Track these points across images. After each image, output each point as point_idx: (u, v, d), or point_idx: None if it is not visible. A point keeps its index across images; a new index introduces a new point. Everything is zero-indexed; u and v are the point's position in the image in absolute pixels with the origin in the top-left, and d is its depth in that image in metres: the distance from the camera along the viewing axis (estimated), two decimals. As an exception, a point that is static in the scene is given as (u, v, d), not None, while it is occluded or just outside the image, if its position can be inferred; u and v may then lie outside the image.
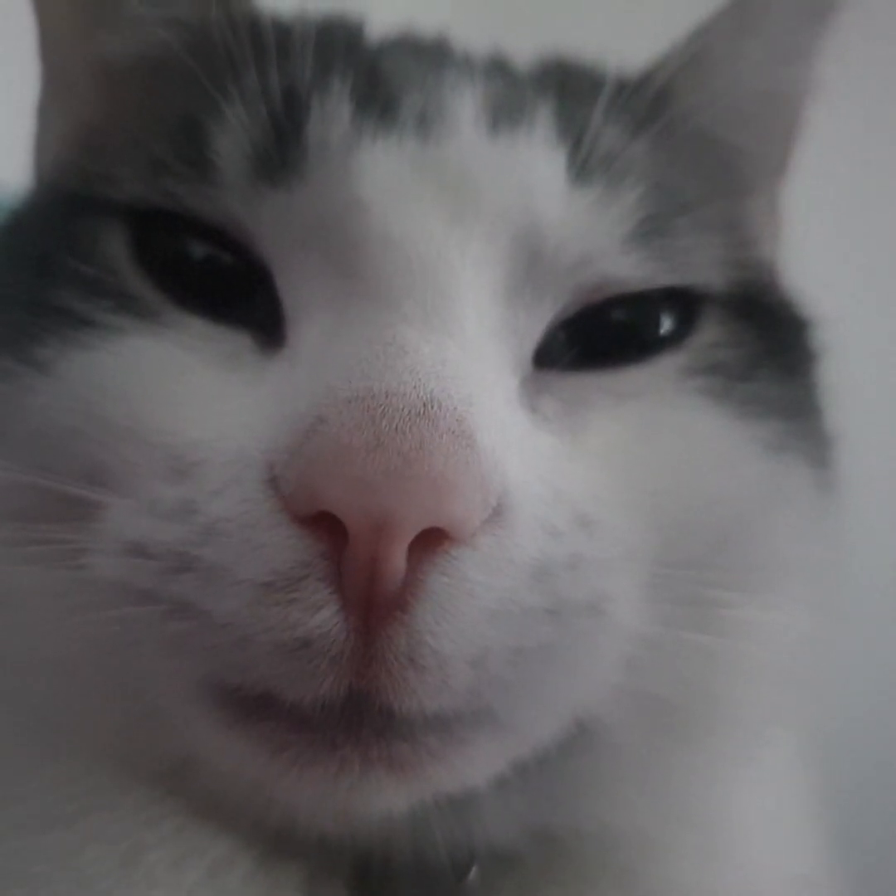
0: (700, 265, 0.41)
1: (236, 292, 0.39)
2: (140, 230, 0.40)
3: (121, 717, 0.38)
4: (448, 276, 0.37)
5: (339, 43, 0.42)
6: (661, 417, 0.39)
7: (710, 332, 0.41)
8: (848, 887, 0.46)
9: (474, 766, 0.36)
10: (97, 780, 0.39)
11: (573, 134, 0.40)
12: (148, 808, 0.38)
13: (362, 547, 0.31)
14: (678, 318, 0.41)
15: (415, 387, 0.33)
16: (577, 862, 0.41)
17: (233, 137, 0.38)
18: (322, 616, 0.32)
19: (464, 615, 0.32)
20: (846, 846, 0.47)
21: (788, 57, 0.47)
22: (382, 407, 0.32)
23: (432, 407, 0.33)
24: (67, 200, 0.42)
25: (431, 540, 0.32)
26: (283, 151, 0.38)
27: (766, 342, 0.43)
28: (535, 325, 0.39)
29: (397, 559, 0.31)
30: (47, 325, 0.38)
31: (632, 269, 0.39)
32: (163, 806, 0.38)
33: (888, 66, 0.91)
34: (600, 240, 0.39)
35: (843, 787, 0.49)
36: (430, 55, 0.45)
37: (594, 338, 0.40)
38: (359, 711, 0.33)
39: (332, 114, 0.38)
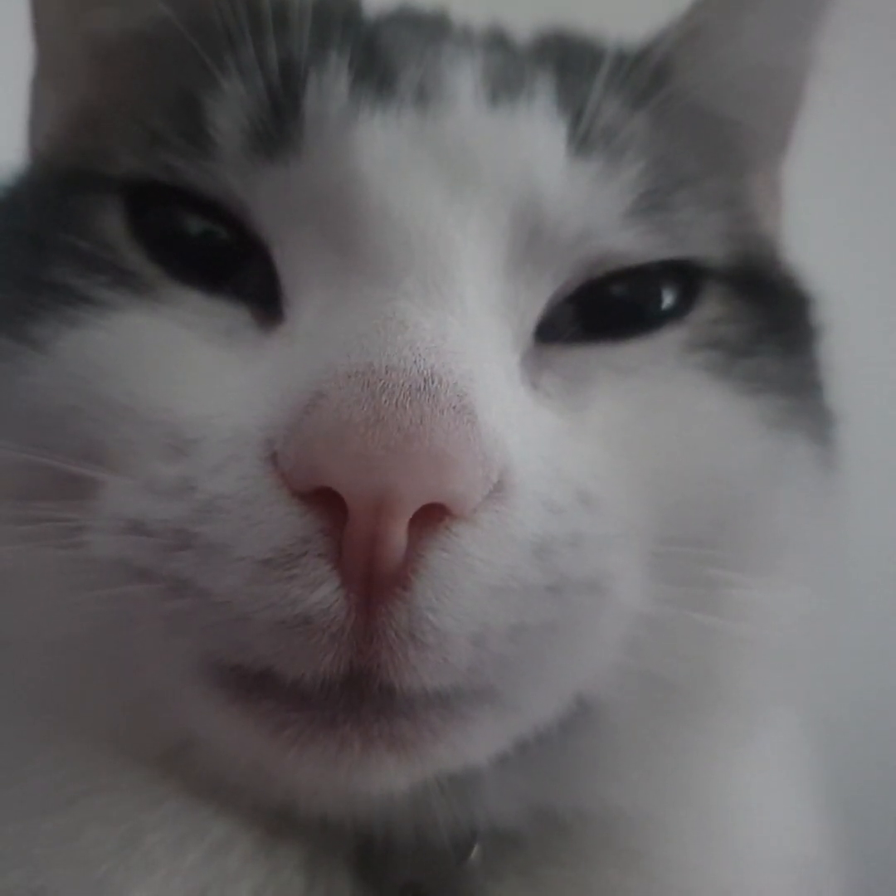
0: (700, 239, 0.41)
1: (233, 267, 0.39)
2: (136, 205, 0.39)
3: (120, 698, 0.38)
4: (448, 251, 0.36)
5: (336, 16, 0.41)
6: (662, 394, 0.39)
7: (711, 308, 0.41)
8: (848, 867, 0.46)
9: (475, 743, 0.36)
10: (96, 761, 0.39)
11: (573, 107, 0.39)
12: (147, 790, 0.38)
13: (362, 523, 0.31)
14: (679, 293, 0.41)
15: (415, 362, 0.33)
16: (578, 841, 0.41)
17: (230, 111, 0.38)
18: (322, 592, 0.31)
19: (464, 591, 0.32)
20: (847, 825, 0.47)
21: (789, 31, 0.46)
22: (382, 382, 0.32)
23: (433, 382, 0.32)
24: (63, 176, 0.42)
25: (432, 516, 0.31)
26: (280, 125, 0.38)
27: (767, 318, 0.43)
28: (536, 300, 0.38)
29: (397, 535, 0.31)
30: (43, 302, 0.38)
31: (632, 243, 0.39)
32: (162, 787, 0.38)
33: (891, 41, 0.90)
34: (601, 214, 0.38)
35: (844, 767, 0.48)
36: (428, 28, 0.44)
37: (596, 313, 0.40)
38: (359, 689, 0.33)
39: (330, 87, 0.38)
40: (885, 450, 0.64)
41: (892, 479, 0.73)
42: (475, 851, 0.40)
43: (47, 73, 0.47)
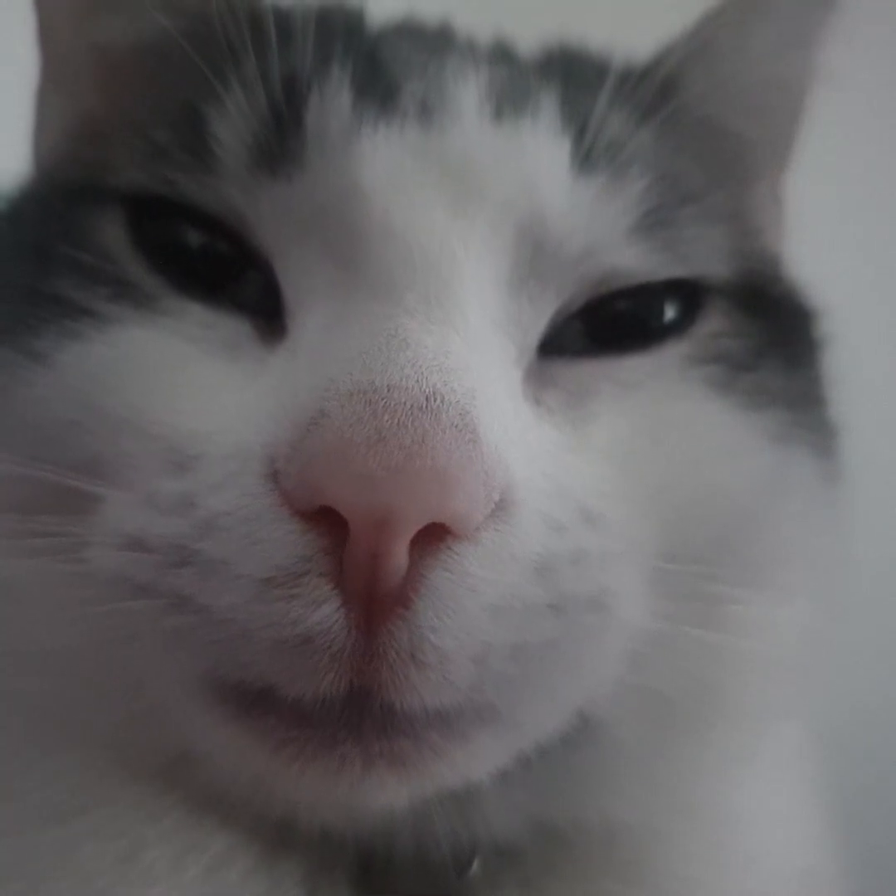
0: (704, 256, 0.41)
1: (235, 281, 0.38)
2: (138, 217, 0.39)
3: (120, 712, 0.38)
4: (450, 267, 0.36)
5: (339, 29, 0.41)
6: (665, 408, 0.39)
7: (714, 322, 0.41)
8: (851, 879, 0.46)
9: (476, 760, 0.36)
10: (96, 775, 0.38)
11: (578, 122, 0.39)
12: (147, 804, 0.38)
13: (364, 542, 0.31)
14: (682, 307, 0.41)
15: (417, 380, 0.33)
16: (579, 855, 0.41)
17: (232, 126, 0.38)
18: (323, 612, 0.31)
19: (466, 611, 0.32)
20: (849, 837, 0.47)
21: (794, 44, 0.46)
22: (384, 400, 0.32)
23: (435, 400, 0.32)
24: (65, 189, 0.42)
25: (433, 535, 0.31)
26: (282, 140, 0.38)
27: (770, 332, 0.43)
28: (540, 316, 0.38)
29: (399, 555, 0.31)
30: (44, 315, 0.38)
31: (636, 261, 0.39)
32: (162, 801, 0.38)
33: (893, 50, 0.90)
34: (605, 230, 0.38)
35: (846, 779, 0.48)
36: (432, 42, 0.44)
37: (600, 328, 0.39)
38: (360, 708, 0.33)
39: (332, 102, 0.38)
40: (887, 462, 0.64)
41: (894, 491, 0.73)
42: (476, 865, 0.40)
43: (52, 82, 0.47)
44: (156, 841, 0.37)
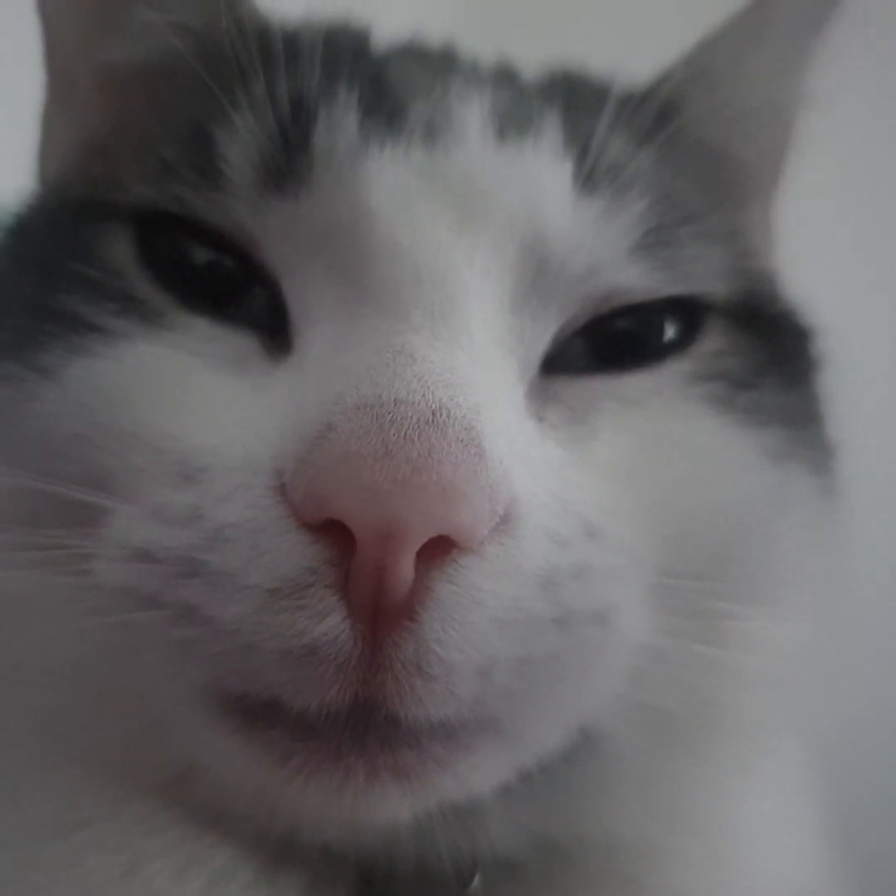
0: (704, 275, 0.42)
1: (241, 297, 0.39)
2: (145, 233, 0.40)
3: (124, 725, 0.38)
4: (455, 285, 0.37)
5: (345, 51, 0.42)
6: (666, 425, 0.39)
7: (713, 341, 0.42)
8: (849, 892, 0.46)
9: (479, 774, 0.36)
10: (99, 788, 0.38)
11: (579, 144, 0.40)
12: (150, 818, 0.38)
13: (370, 554, 0.31)
14: (682, 325, 0.41)
15: (423, 395, 0.33)
16: (580, 870, 0.41)
17: (241, 145, 0.38)
18: (329, 623, 0.31)
19: (471, 624, 0.32)
20: (848, 854, 0.47)
21: (789, 67, 0.47)
22: (391, 414, 0.32)
23: (441, 415, 0.33)
24: (73, 205, 0.42)
25: (439, 548, 0.32)
26: (290, 160, 0.38)
27: (768, 351, 0.43)
28: (542, 333, 0.39)
29: (404, 567, 0.31)
30: (52, 330, 0.38)
31: (637, 280, 0.40)
32: (165, 815, 0.38)
33: (886, 71, 0.91)
34: (606, 249, 0.39)
35: (844, 792, 0.49)
36: (436, 63, 0.45)
37: (600, 345, 0.40)
38: (364, 719, 0.33)
39: (339, 122, 0.38)
40: (884, 479, 0.65)
41: (891, 508, 0.74)
42: (477, 879, 0.40)
43: (58, 100, 0.48)
44: (158, 854, 0.37)
